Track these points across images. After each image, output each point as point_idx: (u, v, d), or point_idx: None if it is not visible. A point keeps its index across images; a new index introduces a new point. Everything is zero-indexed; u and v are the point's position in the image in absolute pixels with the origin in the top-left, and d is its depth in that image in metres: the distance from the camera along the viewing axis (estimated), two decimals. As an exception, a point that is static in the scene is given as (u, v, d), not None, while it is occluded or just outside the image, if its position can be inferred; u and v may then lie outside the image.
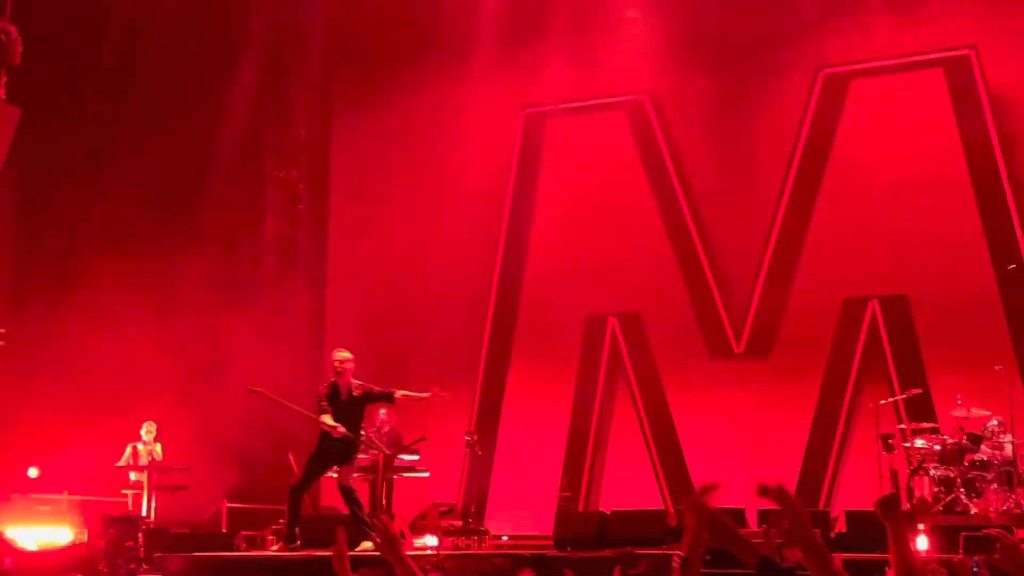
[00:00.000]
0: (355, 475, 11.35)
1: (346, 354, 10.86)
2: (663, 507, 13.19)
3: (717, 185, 14.91)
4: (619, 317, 15.14)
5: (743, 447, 13.71)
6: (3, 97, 13.30)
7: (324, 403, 10.66)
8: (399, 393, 11.00)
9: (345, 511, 12.63)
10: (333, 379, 10.75)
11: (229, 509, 13.67)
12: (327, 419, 10.49)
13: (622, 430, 14.97)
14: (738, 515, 10.39)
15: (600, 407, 15.07)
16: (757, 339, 14.41)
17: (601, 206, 15.41)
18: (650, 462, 14.58)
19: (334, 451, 10.65)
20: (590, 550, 9.92)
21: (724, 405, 14.22)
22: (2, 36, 12.25)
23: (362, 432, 10.83)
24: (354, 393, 10.70)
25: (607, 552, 9.59)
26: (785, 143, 14.60)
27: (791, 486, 12.15)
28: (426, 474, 13.08)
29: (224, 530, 12.95)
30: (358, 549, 10.10)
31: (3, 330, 15.55)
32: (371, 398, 10.86)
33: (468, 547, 12.03)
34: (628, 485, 14.46)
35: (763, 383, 14.16)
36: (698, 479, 13.95)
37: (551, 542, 11.46)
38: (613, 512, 10.95)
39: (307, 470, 10.84)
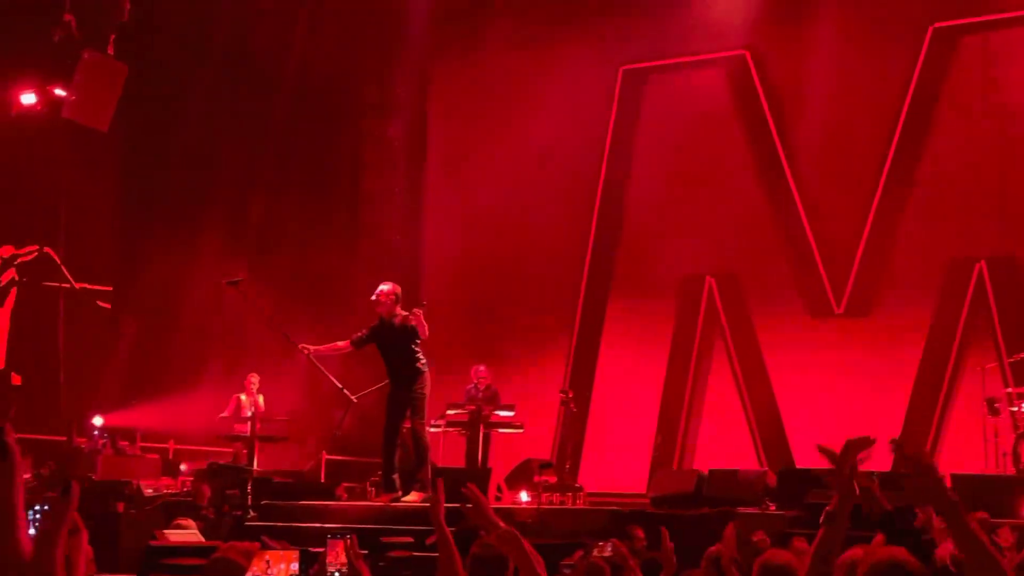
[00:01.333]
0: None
1: (383, 286, 10.67)
2: (760, 467, 13.11)
3: (818, 142, 14.65)
4: (716, 276, 15.02)
5: (842, 408, 13.55)
6: (111, 54, 13.60)
7: (362, 333, 10.56)
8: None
9: (447, 464, 12.86)
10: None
11: (328, 460, 13.95)
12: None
13: (718, 390, 14.89)
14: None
15: (696, 366, 15.01)
16: (858, 299, 14.18)
17: (699, 164, 15.26)
18: (746, 422, 14.50)
19: (392, 387, 10.56)
20: (688, 508, 9.91)
21: (823, 366, 14.05)
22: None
23: (416, 366, 10.48)
24: (395, 324, 10.46)
25: (705, 511, 9.59)
26: (890, 99, 14.27)
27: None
28: (521, 430, 13.18)
29: (323, 480, 13.22)
30: (404, 499, 10.23)
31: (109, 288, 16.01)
32: (414, 331, 10.43)
33: (563, 503, 12.10)
34: (723, 445, 14.40)
35: (863, 344, 13.96)
36: (796, 440, 13.86)
37: (646, 500, 11.48)
38: (711, 471, 10.91)
39: (386, 415, 10.65)
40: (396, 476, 10.52)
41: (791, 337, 14.44)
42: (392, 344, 10.42)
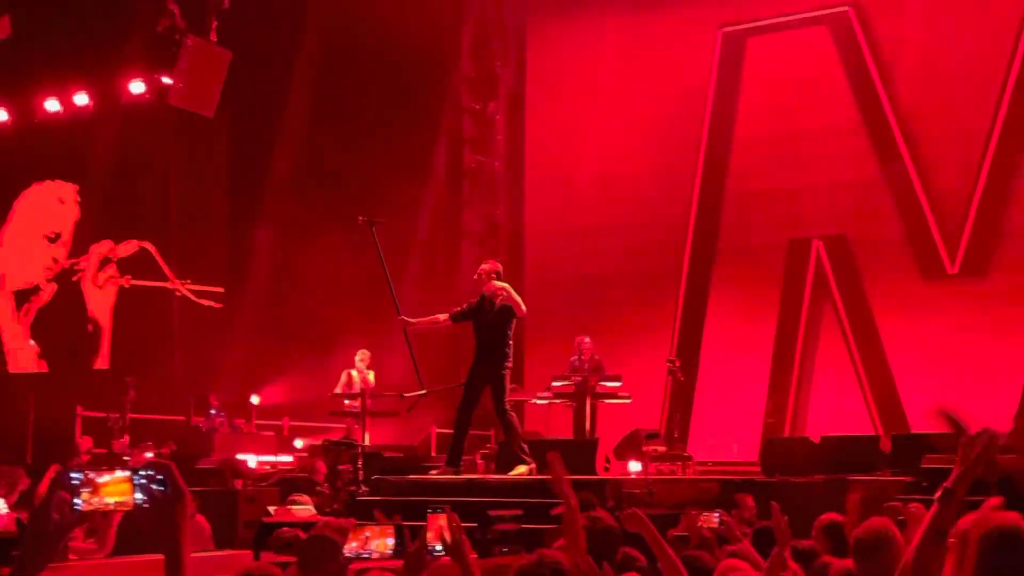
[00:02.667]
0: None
1: (485, 264, 10.62)
2: (874, 433, 12.86)
3: (928, 99, 14.24)
4: (824, 239, 14.73)
5: (958, 372, 13.20)
6: (214, 41, 13.84)
7: (462, 308, 10.52)
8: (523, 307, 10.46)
9: (555, 436, 12.89)
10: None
11: (438, 434, 14.10)
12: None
13: (828, 355, 14.63)
14: (954, 441, 10.00)
15: (805, 331, 14.76)
16: (973, 259, 13.79)
17: (803, 125, 14.96)
18: (859, 388, 14.22)
19: (478, 364, 10.47)
20: (800, 476, 9.75)
21: (938, 328, 13.70)
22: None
23: (508, 348, 10.32)
24: (495, 303, 10.36)
25: (818, 478, 9.42)
26: (1003, 52, 13.78)
27: (1011, 412, 11.65)
28: (628, 400, 13.12)
29: (433, 454, 13.36)
30: (514, 473, 10.24)
31: (221, 289, 16.39)
32: (512, 313, 10.32)
33: (672, 472, 12.03)
34: (836, 411, 14.16)
35: (980, 305, 13.57)
36: (911, 404, 13.56)
37: (758, 468, 11.34)
38: (823, 438, 10.72)
39: (466, 390, 10.54)
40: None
41: (903, 299, 14.10)
42: (488, 323, 10.35)
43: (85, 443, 13.79)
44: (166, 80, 14.41)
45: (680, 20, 15.70)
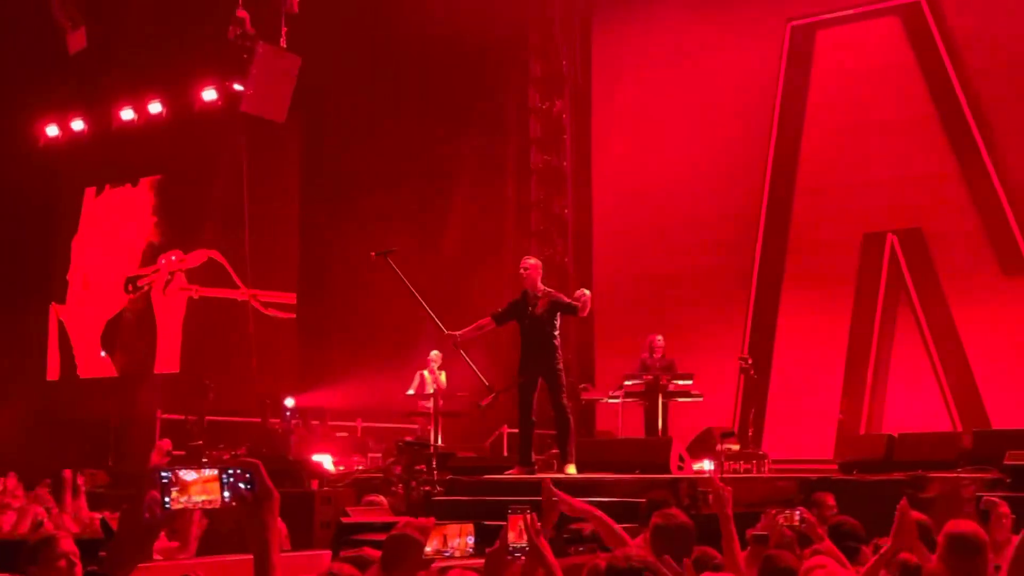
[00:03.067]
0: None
1: (530, 260, 10.58)
2: (953, 429, 12.64)
3: (1003, 88, 13.95)
4: (899, 233, 14.50)
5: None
6: (284, 46, 14.00)
7: (504, 308, 10.46)
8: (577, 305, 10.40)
9: (627, 435, 12.84)
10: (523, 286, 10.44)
11: (509, 434, 14.12)
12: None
13: (904, 350, 14.39)
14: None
15: (880, 327, 14.54)
16: (1053, 252, 13.48)
17: (876, 117, 14.74)
18: (937, 383, 13.98)
19: (526, 361, 10.45)
20: (877, 474, 9.62)
21: (1017, 322, 13.42)
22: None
23: (555, 341, 10.34)
24: (539, 298, 10.34)
25: (896, 476, 9.28)
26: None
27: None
28: (700, 398, 13.05)
29: (506, 454, 13.38)
30: (565, 472, 10.20)
31: (292, 299, 16.52)
32: (559, 307, 10.34)
33: (747, 471, 11.93)
34: (913, 408, 13.93)
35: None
36: (991, 400, 13.30)
37: (834, 466, 11.21)
38: (901, 435, 10.56)
39: (521, 391, 10.50)
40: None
41: (981, 293, 13.83)
42: (534, 318, 10.34)
43: (165, 444, 13.99)
44: (237, 87, 14.61)
45: (748, 14, 15.57)
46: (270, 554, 2.29)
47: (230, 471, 2.30)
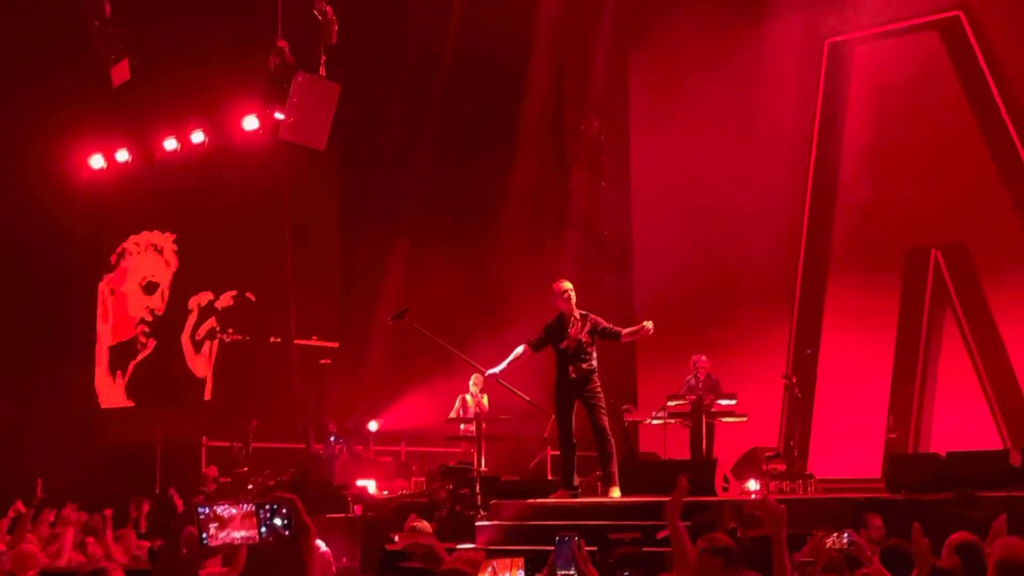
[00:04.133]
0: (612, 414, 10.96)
1: (567, 284, 10.53)
2: (1003, 447, 12.46)
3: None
4: (942, 248, 14.37)
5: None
6: (323, 75, 14.11)
7: (540, 335, 10.43)
8: (625, 332, 10.53)
9: (671, 456, 12.77)
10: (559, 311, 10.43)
11: (553, 456, 14.07)
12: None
13: (951, 367, 14.22)
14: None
15: (926, 343, 14.39)
16: (1099, 264, 13.30)
17: (917, 132, 14.63)
18: (985, 400, 13.80)
19: (563, 384, 10.42)
20: (926, 493, 9.50)
21: (1067, 337, 13.24)
22: (319, 16, 12.94)
23: (593, 364, 10.35)
24: (577, 321, 10.32)
25: (946, 495, 9.16)
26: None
27: None
28: (744, 418, 12.95)
29: (549, 477, 13.34)
30: (609, 495, 10.14)
31: (335, 344, 16.70)
32: (597, 332, 10.37)
33: (793, 491, 11.83)
34: (961, 425, 13.76)
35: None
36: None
37: (881, 485, 11.09)
38: (949, 453, 10.42)
39: (560, 414, 10.50)
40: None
41: (1028, 307, 13.66)
42: (571, 341, 10.32)
43: (211, 471, 14.14)
44: (278, 115, 14.75)
45: (785, 32, 15.52)
46: None
47: (267, 507, 2.32)
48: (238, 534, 2.30)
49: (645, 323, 10.40)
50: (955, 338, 14.24)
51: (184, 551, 2.34)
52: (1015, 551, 4.12)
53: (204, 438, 15.61)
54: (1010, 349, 13.74)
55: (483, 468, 11.76)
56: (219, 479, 14.39)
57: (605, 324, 10.45)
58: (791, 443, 13.66)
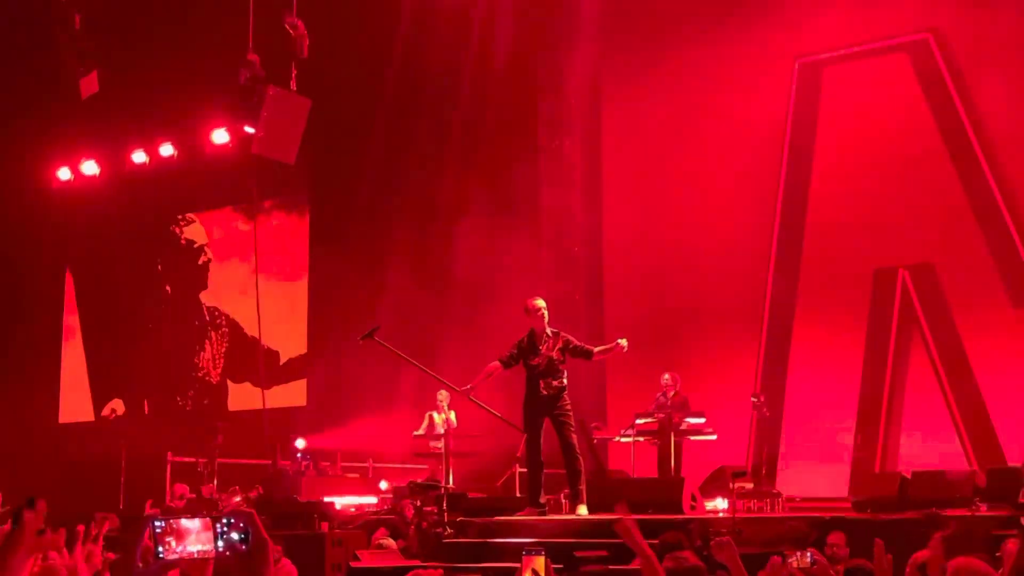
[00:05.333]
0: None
1: (539, 301, 10.46)
2: (968, 467, 12.53)
3: (1013, 124, 13.95)
4: (910, 269, 14.47)
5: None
6: (294, 89, 14.07)
7: (511, 351, 10.35)
8: (596, 350, 10.48)
9: (640, 474, 12.75)
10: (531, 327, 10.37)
11: (521, 474, 14.02)
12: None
13: (918, 387, 14.31)
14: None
15: (893, 364, 14.47)
16: (1065, 285, 13.43)
17: (885, 154, 14.74)
18: (951, 420, 13.88)
19: (533, 401, 10.36)
20: (892, 512, 9.53)
21: (1031, 357, 13.34)
22: (290, 30, 12.92)
23: (564, 381, 10.29)
24: (548, 339, 10.29)
25: (911, 514, 9.20)
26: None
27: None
28: (713, 436, 12.97)
29: (517, 494, 13.29)
30: (576, 513, 10.12)
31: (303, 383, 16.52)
32: (569, 350, 10.32)
33: (761, 510, 11.84)
34: (927, 445, 13.84)
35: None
36: (1006, 437, 13.21)
37: (848, 504, 11.12)
38: (915, 473, 10.47)
39: (529, 430, 10.45)
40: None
41: (994, 328, 13.77)
42: (542, 358, 10.31)
43: (180, 489, 13.99)
44: (249, 129, 14.69)
45: (756, 52, 15.61)
46: None
47: (224, 520, 2.28)
48: (195, 548, 2.26)
49: (619, 340, 10.38)
50: (922, 358, 14.33)
51: (140, 565, 2.30)
52: (970, 562, 4.14)
53: (169, 454, 15.46)
54: (976, 370, 13.83)
55: (451, 485, 11.70)
56: (187, 496, 14.25)
57: (576, 342, 10.43)
58: (759, 461, 13.71)
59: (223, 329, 19.36)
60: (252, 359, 17.88)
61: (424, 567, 3.87)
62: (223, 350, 19.29)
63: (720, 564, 5.39)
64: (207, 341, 19.43)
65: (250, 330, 18.31)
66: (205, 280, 19.90)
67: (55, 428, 20.15)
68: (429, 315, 16.23)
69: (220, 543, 2.26)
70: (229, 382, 19.21)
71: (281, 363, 18.62)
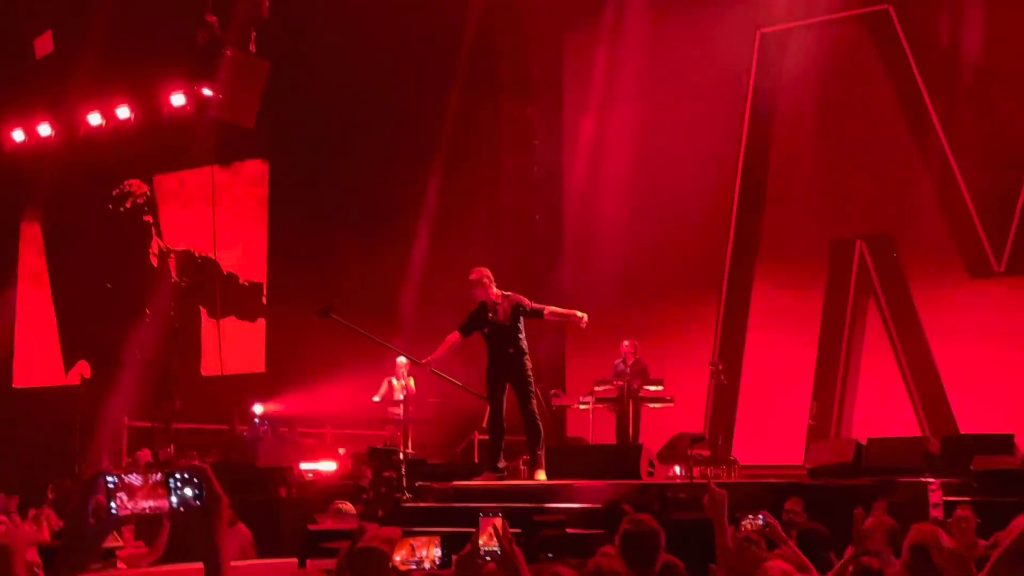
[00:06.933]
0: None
1: (481, 271, 10.50)
2: (921, 434, 12.71)
3: (970, 96, 14.06)
4: (867, 239, 14.59)
5: (1007, 370, 13.02)
6: (253, 51, 13.93)
7: (466, 321, 10.41)
8: (548, 309, 10.59)
9: (598, 441, 12.82)
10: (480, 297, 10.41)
11: (480, 440, 14.06)
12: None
13: (873, 356, 14.47)
14: (1006, 441, 9.88)
15: (849, 332, 14.62)
16: (1019, 256, 13.59)
17: (845, 124, 14.84)
18: (905, 388, 14.06)
19: (492, 368, 10.42)
20: (846, 479, 9.65)
21: (985, 327, 13.51)
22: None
23: (521, 346, 10.34)
24: (498, 304, 10.33)
25: (864, 481, 9.32)
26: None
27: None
28: (671, 403, 13.06)
29: (476, 460, 13.33)
30: (535, 479, 10.20)
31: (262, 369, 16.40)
32: (521, 312, 10.37)
33: (717, 476, 11.94)
34: (882, 412, 14.01)
35: (1028, 303, 13.37)
36: (959, 405, 13.40)
37: (803, 471, 11.24)
38: (869, 440, 10.60)
39: (490, 397, 10.53)
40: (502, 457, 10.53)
41: (949, 298, 13.94)
42: (495, 325, 10.32)
43: (144, 455, 13.87)
44: (207, 92, 14.53)
45: (718, 21, 15.62)
46: (220, 561, 2.25)
47: (177, 476, 2.26)
48: (147, 503, 2.24)
49: (579, 312, 10.45)
50: (878, 327, 14.48)
51: (92, 521, 2.26)
52: (925, 535, 4.21)
53: (126, 419, 15.35)
54: (931, 338, 14.00)
55: (409, 451, 11.71)
56: (151, 463, 14.16)
57: (528, 303, 10.45)
58: (716, 428, 13.82)
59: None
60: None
61: (383, 528, 3.88)
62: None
63: (675, 528, 5.44)
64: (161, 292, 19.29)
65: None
66: (161, 236, 19.76)
67: (10, 393, 19.93)
68: (388, 282, 16.19)
69: (174, 499, 2.23)
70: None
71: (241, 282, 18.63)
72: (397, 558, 3.83)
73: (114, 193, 19.95)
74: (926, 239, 14.21)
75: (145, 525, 7.52)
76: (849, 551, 4.91)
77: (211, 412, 15.82)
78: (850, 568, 4.57)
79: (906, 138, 14.45)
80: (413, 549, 3.85)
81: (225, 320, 17.95)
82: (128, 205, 19.84)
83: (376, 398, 13.50)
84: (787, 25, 15.38)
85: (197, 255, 19.01)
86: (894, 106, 14.56)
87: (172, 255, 19.39)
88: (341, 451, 14.98)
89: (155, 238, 19.66)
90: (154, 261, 19.61)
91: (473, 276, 10.46)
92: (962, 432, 12.35)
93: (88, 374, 18.75)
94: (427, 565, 3.88)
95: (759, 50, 15.56)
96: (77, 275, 19.93)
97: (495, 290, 10.40)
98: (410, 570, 3.84)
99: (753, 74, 15.57)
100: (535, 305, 10.51)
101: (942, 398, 13.71)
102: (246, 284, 18.43)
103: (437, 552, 3.85)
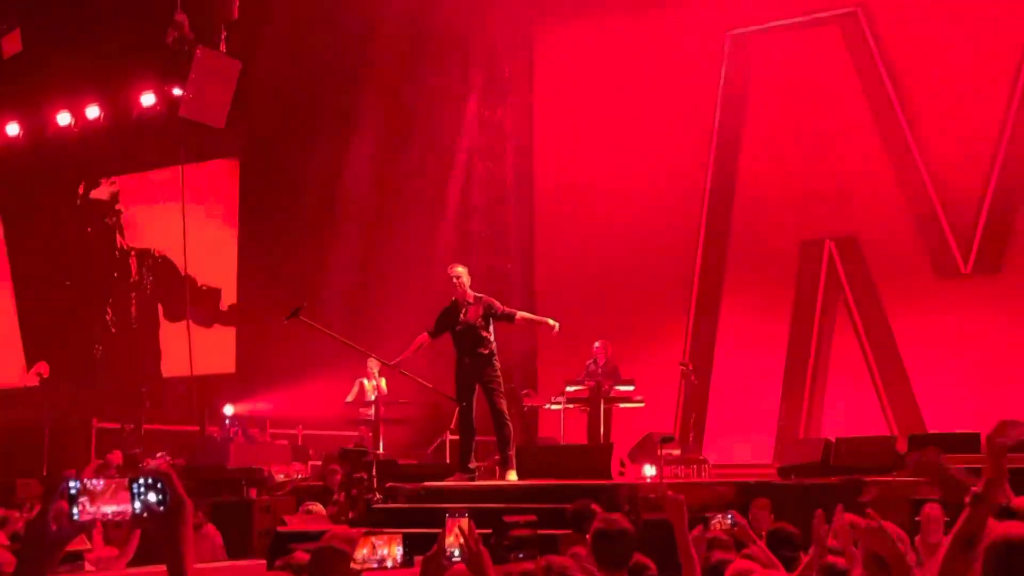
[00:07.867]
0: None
1: (459, 268, 10.56)
2: (889, 433, 12.81)
3: (939, 98, 14.18)
4: (836, 240, 14.69)
5: (973, 370, 13.15)
6: (224, 51, 13.86)
7: (436, 321, 10.44)
8: (519, 314, 10.66)
9: (569, 441, 12.84)
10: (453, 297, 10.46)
11: (452, 441, 14.06)
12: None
13: (842, 356, 14.58)
14: (971, 440, 9.96)
15: (819, 333, 14.71)
16: (986, 257, 13.74)
17: (814, 126, 14.93)
18: (873, 388, 14.17)
19: (461, 368, 10.45)
20: (815, 478, 9.72)
21: (952, 327, 13.65)
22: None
23: (491, 347, 10.36)
24: (471, 305, 10.37)
25: (833, 480, 9.39)
26: (1013, 51, 13.73)
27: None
28: (641, 404, 13.09)
29: (448, 461, 13.32)
30: (506, 479, 10.23)
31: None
32: (491, 315, 10.41)
33: (687, 476, 11.99)
34: (850, 412, 14.11)
35: (993, 303, 13.52)
36: (926, 405, 13.50)
37: (773, 470, 11.31)
38: (838, 439, 10.68)
39: (459, 398, 10.55)
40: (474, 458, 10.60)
41: (917, 299, 14.06)
42: (466, 325, 10.35)
43: (115, 457, 13.76)
44: (177, 92, 14.43)
45: (687, 23, 15.69)
46: (183, 565, 2.23)
47: (141, 481, 2.24)
48: (109, 508, 2.22)
49: (550, 320, 10.51)
50: (847, 328, 14.58)
51: (53, 527, 2.24)
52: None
53: (95, 420, 15.24)
54: (898, 338, 14.12)
55: (380, 452, 11.69)
56: (121, 466, 14.06)
57: (499, 307, 10.48)
58: (687, 428, 13.87)
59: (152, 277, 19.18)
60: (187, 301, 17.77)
61: (342, 529, 3.87)
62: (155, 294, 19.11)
63: (646, 528, 5.47)
64: (133, 294, 19.15)
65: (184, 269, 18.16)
66: (129, 235, 19.64)
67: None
68: (360, 287, 16.16)
69: (137, 504, 2.22)
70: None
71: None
72: (359, 556, 3.83)
73: (80, 192, 19.82)
74: (894, 240, 14.32)
75: (114, 528, 7.47)
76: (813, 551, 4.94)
77: (181, 413, 15.73)
78: (814, 569, 4.60)
79: (874, 139, 14.56)
80: (375, 548, 3.84)
81: (193, 320, 17.86)
82: (92, 204, 19.72)
83: (348, 399, 13.46)
84: (756, 27, 15.46)
85: (158, 255, 18.91)
86: (863, 108, 14.67)
87: (134, 253, 19.28)
88: (311, 453, 14.95)
89: (118, 237, 19.54)
90: (118, 261, 19.49)
91: (448, 273, 10.48)
92: (929, 431, 12.44)
93: (47, 374, 18.62)
94: (389, 564, 3.88)
95: (728, 52, 15.63)
96: (41, 275, 19.77)
97: (469, 291, 10.41)
98: (371, 568, 3.84)
99: (723, 76, 15.64)
100: (507, 309, 10.55)
101: (910, 397, 13.83)
102: (204, 288, 18.32)
103: (399, 551, 3.85)
